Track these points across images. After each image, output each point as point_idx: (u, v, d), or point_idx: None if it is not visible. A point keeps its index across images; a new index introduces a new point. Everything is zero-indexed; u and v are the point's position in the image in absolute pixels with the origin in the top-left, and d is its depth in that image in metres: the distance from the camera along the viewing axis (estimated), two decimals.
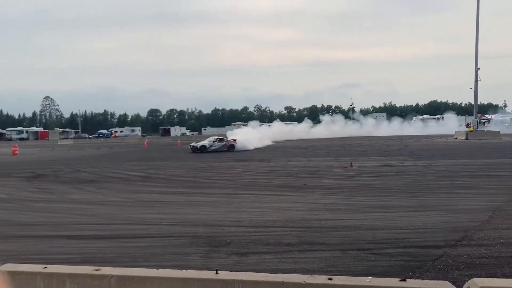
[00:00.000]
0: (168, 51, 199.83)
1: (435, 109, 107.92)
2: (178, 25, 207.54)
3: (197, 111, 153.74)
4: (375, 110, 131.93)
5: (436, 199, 11.09)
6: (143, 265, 5.67)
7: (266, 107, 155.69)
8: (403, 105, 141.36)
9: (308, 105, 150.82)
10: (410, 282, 2.82)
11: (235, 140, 35.88)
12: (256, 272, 3.18)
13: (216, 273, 2.93)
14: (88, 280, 2.96)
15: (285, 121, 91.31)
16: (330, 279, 2.84)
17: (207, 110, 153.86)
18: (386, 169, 18.54)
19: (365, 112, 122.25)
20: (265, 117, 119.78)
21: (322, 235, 7.52)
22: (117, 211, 10.45)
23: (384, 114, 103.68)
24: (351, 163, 20.07)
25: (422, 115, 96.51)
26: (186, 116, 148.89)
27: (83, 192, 13.87)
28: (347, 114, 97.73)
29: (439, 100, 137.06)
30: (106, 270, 3.02)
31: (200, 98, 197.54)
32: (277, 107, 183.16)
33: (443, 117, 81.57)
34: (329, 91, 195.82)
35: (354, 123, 73.94)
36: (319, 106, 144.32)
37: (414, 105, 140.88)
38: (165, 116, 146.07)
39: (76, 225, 8.88)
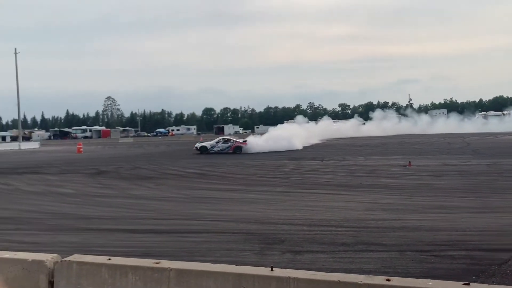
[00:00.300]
0: (222, 50, 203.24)
1: (501, 105, 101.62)
2: (231, 24, 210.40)
3: (250, 109, 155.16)
4: (435, 107, 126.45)
5: (502, 200, 10.45)
6: (199, 259, 5.80)
7: (319, 105, 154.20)
8: (465, 101, 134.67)
9: (364, 102, 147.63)
10: (474, 286, 2.68)
11: (244, 141, 32.67)
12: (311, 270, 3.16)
13: (271, 270, 2.95)
14: (148, 272, 3.07)
15: (339, 119, 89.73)
16: (388, 280, 2.76)
17: (259, 108, 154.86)
18: (447, 168, 17.72)
19: (424, 109, 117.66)
20: (318, 114, 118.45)
21: (378, 235, 7.33)
22: (175, 206, 10.79)
23: (444, 110, 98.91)
24: (410, 162, 19.39)
25: (486, 112, 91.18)
26: (239, 115, 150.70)
27: (142, 188, 14.45)
28: (404, 111, 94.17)
29: (505, 96, 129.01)
30: (166, 264, 3.13)
31: (253, 97, 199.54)
32: (331, 105, 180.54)
33: (510, 113, 76.46)
34: (386, 88, 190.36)
35: (408, 120, 70.78)
36: (375, 102, 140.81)
37: (477, 101, 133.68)
38: (219, 115, 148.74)
39: (136, 219, 9.27)
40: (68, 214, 10.09)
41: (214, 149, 31.38)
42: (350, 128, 60.65)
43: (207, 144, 32.24)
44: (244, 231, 7.81)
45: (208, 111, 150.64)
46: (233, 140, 32.81)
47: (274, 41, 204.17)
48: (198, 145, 32.57)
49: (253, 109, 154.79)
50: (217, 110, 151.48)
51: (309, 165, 21.29)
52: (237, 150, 31.21)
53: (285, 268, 3.12)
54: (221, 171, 19.43)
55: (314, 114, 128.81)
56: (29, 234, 8.19)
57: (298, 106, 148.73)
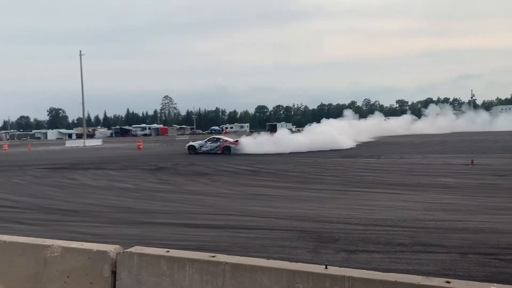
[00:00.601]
0: (275, 48, 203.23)
1: None
2: (285, 22, 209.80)
3: (303, 107, 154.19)
4: (500, 102, 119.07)
5: None
6: (253, 255, 5.86)
7: (375, 101, 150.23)
8: None
9: (423, 98, 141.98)
10: None
11: (236, 141, 30.71)
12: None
13: (326, 267, 2.93)
14: (205, 265, 3.17)
15: (396, 116, 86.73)
16: (448, 282, 2.66)
17: (313, 105, 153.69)
18: None
19: (488, 105, 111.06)
20: (374, 111, 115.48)
21: (438, 236, 7.04)
22: (229, 202, 10.98)
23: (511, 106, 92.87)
24: (472, 161, 18.41)
25: None
26: (292, 112, 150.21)
27: (198, 184, 14.83)
28: (461, 107, 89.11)
29: None
30: (221, 258, 3.21)
31: (306, 94, 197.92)
32: (388, 101, 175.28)
33: None
34: (447, 83, 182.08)
35: (465, 116, 66.34)
36: (434, 99, 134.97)
37: None
38: (272, 112, 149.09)
39: (193, 214, 9.53)
40: (129, 208, 10.57)
41: (203, 148, 30.56)
42: (401, 125, 57.82)
43: (196, 143, 31.53)
44: (297, 228, 7.80)
45: (261, 109, 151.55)
46: (223, 140, 31.41)
47: (327, 37, 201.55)
48: (187, 144, 31.93)
49: (306, 107, 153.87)
50: (270, 107, 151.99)
51: (364, 163, 20.82)
52: (226, 150, 29.89)
53: (340, 267, 3.09)
54: (273, 168, 19.48)
55: (370, 111, 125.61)
56: (93, 226, 8.67)
57: (353, 103, 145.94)
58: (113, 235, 7.71)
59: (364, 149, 29.80)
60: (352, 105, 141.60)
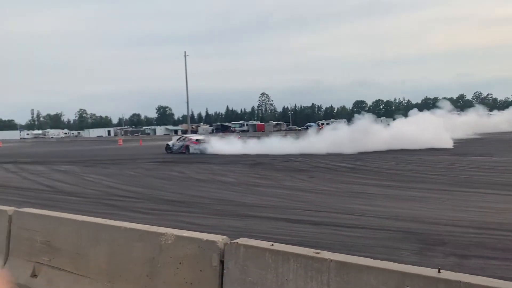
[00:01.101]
0: (374, 40, 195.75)
1: None
2: (384, 13, 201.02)
3: (405, 101, 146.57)
4: None
5: None
6: (355, 254, 5.73)
7: (487, 94, 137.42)
8: None
9: None
10: None
11: (197, 140, 29.92)
12: None
13: (439, 271, 2.76)
14: (309, 261, 3.17)
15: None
16: None
17: (416, 99, 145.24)
18: None
19: None
20: (487, 105, 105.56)
21: None
22: (328, 199, 10.87)
23: None
24: None
25: None
26: (393, 107, 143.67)
27: (296, 180, 14.92)
28: None
29: None
30: (326, 254, 3.18)
31: (409, 88, 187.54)
32: (503, 94, 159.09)
33: None
34: None
35: None
36: None
37: None
38: (371, 107, 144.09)
39: (292, 209, 9.62)
40: (231, 201, 11.00)
41: (174, 148, 30.76)
42: (506, 120, 50.67)
43: (170, 143, 31.87)
44: (401, 229, 7.45)
45: (359, 104, 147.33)
46: (188, 139, 31.08)
47: (430, 27, 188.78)
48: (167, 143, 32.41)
49: (408, 101, 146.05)
50: (369, 102, 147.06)
51: (474, 161, 19.19)
52: (186, 150, 29.80)
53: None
54: (373, 165, 18.85)
55: (482, 104, 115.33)
56: (199, 217, 9.18)
57: (461, 96, 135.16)
58: (217, 226, 8.08)
59: (477, 147, 27.43)
60: (460, 99, 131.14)
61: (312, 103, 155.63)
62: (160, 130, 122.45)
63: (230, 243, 3.62)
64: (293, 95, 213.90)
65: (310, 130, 34.74)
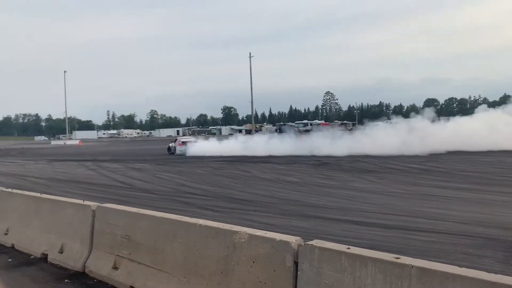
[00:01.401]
0: (448, 35, 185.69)
1: None
2: (458, 5, 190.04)
3: (481, 98, 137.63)
4: None
5: None
6: (431, 260, 5.47)
7: None
8: None
9: None
10: None
11: (183, 142, 30.39)
12: None
13: None
14: (388, 266, 3.06)
15: None
16: None
17: (494, 97, 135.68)
18: None
19: None
20: None
21: None
22: (399, 202, 10.46)
23: None
24: None
25: None
26: (468, 105, 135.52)
27: (363, 181, 14.53)
28: None
29: None
30: (406, 260, 3.05)
31: (486, 84, 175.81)
32: None
33: None
34: None
35: None
36: None
37: None
38: (443, 106, 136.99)
39: (361, 212, 9.37)
40: (297, 201, 10.95)
41: (171, 149, 31.99)
42: None
43: (171, 144, 32.78)
44: (483, 235, 6.98)
45: (430, 102, 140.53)
46: (177, 141, 32.41)
47: (507, 19, 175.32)
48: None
49: (485, 99, 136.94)
50: (441, 100, 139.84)
51: None
52: (174, 151, 30.88)
53: None
54: (447, 167, 17.88)
55: None
56: (266, 216, 9.23)
57: None
58: (285, 226, 8.07)
59: None
60: None
61: (380, 102, 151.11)
62: (225, 130, 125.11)
63: (305, 244, 3.59)
64: (359, 93, 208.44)
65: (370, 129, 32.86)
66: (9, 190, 7.91)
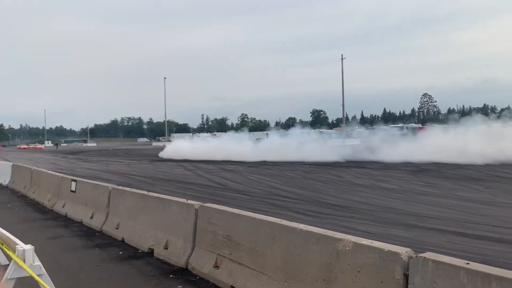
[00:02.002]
0: None
1: None
2: None
3: None
4: None
5: None
6: None
7: None
8: None
9: None
10: None
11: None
12: None
13: None
14: None
15: None
16: None
17: None
18: None
19: None
20: None
21: None
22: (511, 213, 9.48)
23: None
24: None
25: None
26: None
27: (469, 190, 13.42)
28: None
29: None
30: None
31: None
32: None
33: None
34: None
35: None
36: None
37: None
38: None
39: (468, 223, 8.63)
40: (396, 209, 10.42)
41: None
42: None
43: None
44: None
45: None
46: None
47: None
48: None
49: None
50: None
51: None
52: None
53: None
54: None
55: None
56: (362, 223, 8.91)
57: None
58: (382, 235, 7.71)
59: None
60: None
61: (484, 104, 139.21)
62: (314, 133, 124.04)
63: (416, 256, 3.36)
64: (460, 95, 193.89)
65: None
66: (120, 187, 8.57)
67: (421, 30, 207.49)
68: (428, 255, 3.33)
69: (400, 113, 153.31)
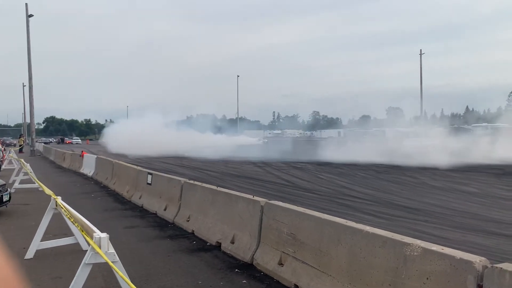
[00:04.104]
0: None
1: None
2: None
3: None
4: None
5: None
6: None
7: None
8: None
9: None
10: None
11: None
12: None
13: None
14: None
15: None
16: None
17: None
18: None
19: None
20: None
21: None
22: None
23: None
24: None
25: None
26: None
27: None
28: None
29: None
30: None
31: None
32: None
33: None
34: None
35: None
36: None
37: None
38: None
39: None
40: (475, 215, 9.75)
41: None
42: None
43: None
44: None
45: None
46: None
47: None
48: None
49: None
50: None
51: None
52: None
53: None
54: None
55: None
56: (437, 228, 8.44)
57: None
58: (460, 241, 7.25)
59: None
60: None
61: None
62: (389, 131, 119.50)
63: (492, 266, 3.12)
64: None
65: None
66: (192, 181, 8.89)
67: (508, 22, 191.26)
68: (506, 266, 3.07)
69: (484, 111, 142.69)
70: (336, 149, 31.02)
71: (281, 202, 6.04)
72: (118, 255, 3.79)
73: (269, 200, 6.26)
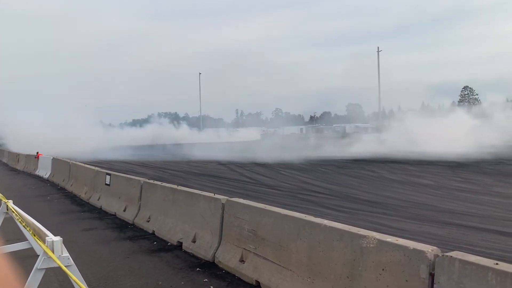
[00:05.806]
0: None
1: None
2: None
3: None
4: None
5: None
6: None
7: None
8: None
9: None
10: None
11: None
12: None
13: None
14: None
15: None
16: None
17: None
18: None
19: None
20: None
21: None
22: None
23: None
24: None
25: None
26: None
27: (510, 186, 12.85)
28: None
29: None
30: None
31: None
32: None
33: None
34: None
35: None
36: None
37: None
38: None
39: (508, 221, 8.28)
40: (430, 206, 10.13)
41: None
42: None
43: None
44: None
45: None
46: None
47: None
48: None
49: None
50: None
51: None
52: None
53: None
54: None
55: None
56: (394, 220, 8.70)
57: None
58: (415, 232, 7.50)
59: None
60: None
61: None
62: (349, 127, 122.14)
63: (442, 255, 3.24)
64: (505, 88, 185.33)
65: None
66: (151, 181, 8.74)
67: (459, 21, 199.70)
68: (455, 254, 3.20)
69: (439, 106, 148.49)
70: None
71: (242, 199, 6.03)
72: (75, 259, 3.67)
73: (231, 197, 6.24)
